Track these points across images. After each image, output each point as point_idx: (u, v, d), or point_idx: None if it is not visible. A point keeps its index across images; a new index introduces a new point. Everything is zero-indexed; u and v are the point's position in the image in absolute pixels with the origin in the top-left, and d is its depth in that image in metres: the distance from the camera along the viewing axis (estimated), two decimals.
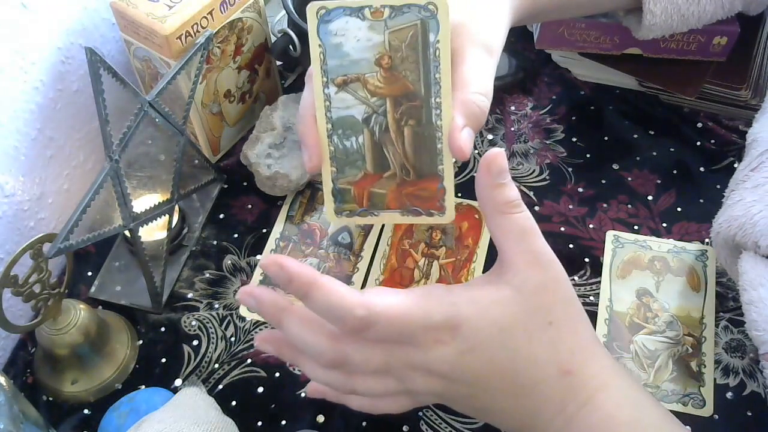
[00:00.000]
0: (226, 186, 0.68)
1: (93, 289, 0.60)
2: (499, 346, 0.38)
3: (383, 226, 0.63)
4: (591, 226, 0.63)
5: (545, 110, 0.72)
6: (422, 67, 0.40)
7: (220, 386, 0.55)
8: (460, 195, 0.65)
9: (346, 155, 0.42)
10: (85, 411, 0.55)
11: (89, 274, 0.62)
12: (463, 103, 0.41)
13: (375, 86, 0.41)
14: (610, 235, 0.62)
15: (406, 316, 0.37)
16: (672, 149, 0.68)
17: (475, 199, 0.64)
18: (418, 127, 0.41)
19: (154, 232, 0.61)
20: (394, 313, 0.37)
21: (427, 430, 0.53)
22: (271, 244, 0.63)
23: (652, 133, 0.70)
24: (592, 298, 0.58)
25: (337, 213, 0.43)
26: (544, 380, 0.38)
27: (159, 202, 0.57)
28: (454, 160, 0.41)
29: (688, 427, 0.51)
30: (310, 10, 0.40)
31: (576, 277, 0.60)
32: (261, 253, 0.62)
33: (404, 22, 0.40)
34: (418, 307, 0.37)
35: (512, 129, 0.71)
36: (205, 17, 0.58)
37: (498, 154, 0.38)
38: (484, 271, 0.60)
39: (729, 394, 0.53)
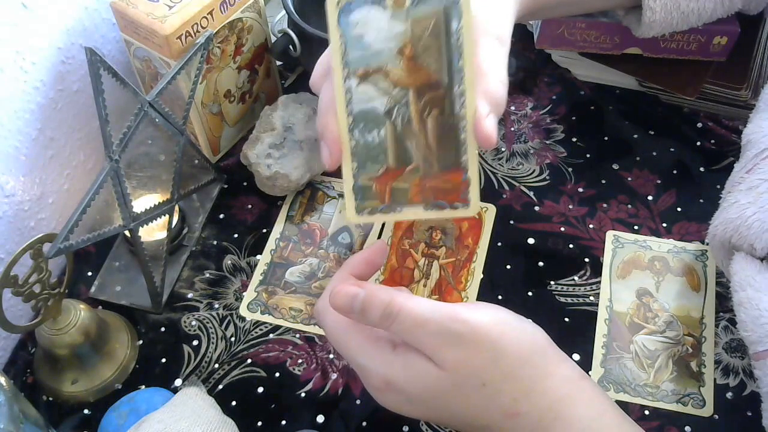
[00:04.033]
0: (226, 186, 0.68)
1: (93, 289, 0.61)
2: (438, 405, 0.39)
3: (383, 226, 0.63)
4: (591, 226, 0.63)
5: (545, 110, 0.72)
6: (445, 56, 0.39)
7: (220, 386, 0.55)
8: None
9: (368, 150, 0.40)
10: (85, 411, 0.55)
11: (89, 274, 0.62)
12: (484, 92, 0.40)
13: (398, 77, 0.40)
14: (610, 235, 0.62)
15: (347, 335, 0.41)
16: (672, 149, 0.68)
17: None
18: (441, 117, 0.40)
19: (154, 232, 0.61)
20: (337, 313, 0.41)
21: (427, 430, 0.53)
22: (271, 244, 0.63)
23: (652, 133, 0.70)
24: (592, 298, 0.58)
25: (358, 211, 0.41)
26: (491, 424, 0.39)
27: (159, 202, 0.57)
28: (477, 149, 0.40)
29: None
30: (330, 0, 0.39)
31: (576, 277, 0.60)
32: (261, 253, 0.62)
33: (426, 10, 0.39)
34: (359, 340, 0.41)
35: (512, 129, 0.71)
36: (205, 17, 0.58)
37: (337, 294, 0.40)
38: (484, 271, 0.60)
39: (729, 394, 0.53)
